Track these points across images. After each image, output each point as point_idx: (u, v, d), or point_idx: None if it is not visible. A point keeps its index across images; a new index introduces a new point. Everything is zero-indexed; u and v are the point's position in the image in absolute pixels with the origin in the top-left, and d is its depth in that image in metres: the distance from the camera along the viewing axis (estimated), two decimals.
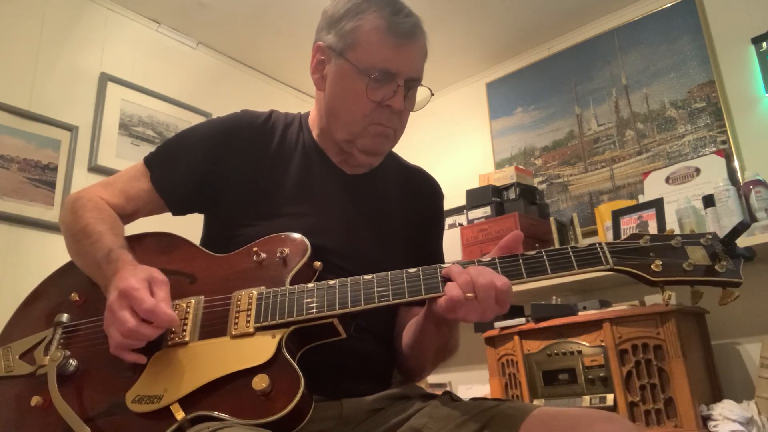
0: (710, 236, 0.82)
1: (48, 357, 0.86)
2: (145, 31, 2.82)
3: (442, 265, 0.84)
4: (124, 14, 2.74)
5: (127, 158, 2.57)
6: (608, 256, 0.81)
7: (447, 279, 0.82)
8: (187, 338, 0.84)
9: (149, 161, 1.06)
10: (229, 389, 0.78)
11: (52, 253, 2.17)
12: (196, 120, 2.86)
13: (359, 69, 0.97)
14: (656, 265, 0.79)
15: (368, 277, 0.85)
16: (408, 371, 1.05)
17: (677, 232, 0.84)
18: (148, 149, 2.62)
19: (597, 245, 0.82)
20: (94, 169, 2.47)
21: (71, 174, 2.38)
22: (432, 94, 1.07)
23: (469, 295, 0.78)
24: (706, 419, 1.82)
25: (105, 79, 2.58)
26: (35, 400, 0.84)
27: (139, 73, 2.73)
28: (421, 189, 1.18)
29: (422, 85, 1.04)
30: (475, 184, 2.85)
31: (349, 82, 0.99)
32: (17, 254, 2.18)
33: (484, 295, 0.78)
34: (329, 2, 1.06)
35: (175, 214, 1.07)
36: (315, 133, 1.10)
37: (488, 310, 0.79)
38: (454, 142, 3.41)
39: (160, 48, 2.87)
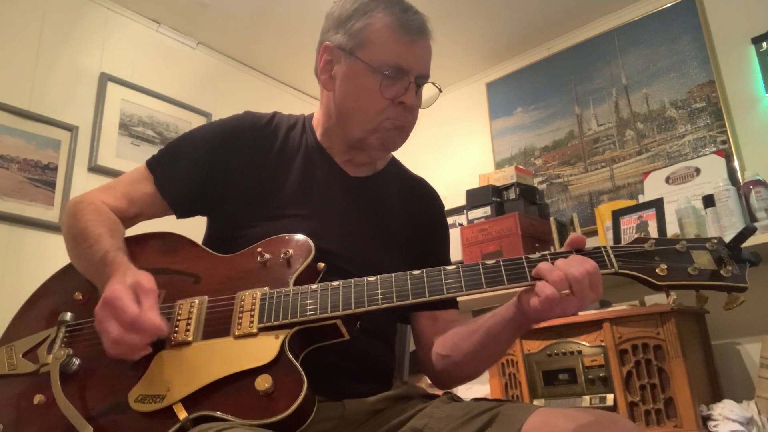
0: (716, 241, 0.81)
1: (51, 355, 0.86)
2: (145, 31, 2.82)
3: (445, 267, 0.84)
4: (124, 14, 2.74)
5: (127, 158, 2.57)
6: (613, 259, 0.81)
7: (536, 278, 0.80)
8: (190, 338, 0.84)
9: (152, 164, 1.06)
10: (231, 389, 0.78)
11: (52, 253, 2.17)
12: (196, 120, 2.86)
13: (372, 67, 0.98)
14: (661, 269, 0.79)
15: (372, 278, 0.85)
16: (455, 378, 1.03)
17: (677, 231, 0.84)
18: (148, 149, 2.64)
19: (602, 249, 0.82)
20: (94, 169, 2.46)
21: (71, 174, 2.38)
22: (440, 91, 1.07)
23: (565, 291, 0.77)
24: (706, 419, 1.82)
25: (105, 79, 2.58)
26: (38, 398, 0.84)
27: (139, 73, 2.73)
28: (422, 197, 1.17)
29: (431, 83, 1.05)
30: (475, 184, 2.85)
31: (362, 80, 0.99)
32: (17, 254, 2.17)
33: (579, 287, 0.77)
34: (332, 4, 1.06)
35: (179, 216, 1.06)
36: (319, 133, 1.09)
37: (585, 299, 0.78)
38: (454, 142, 3.41)
39: (160, 48, 2.86)
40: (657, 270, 0.79)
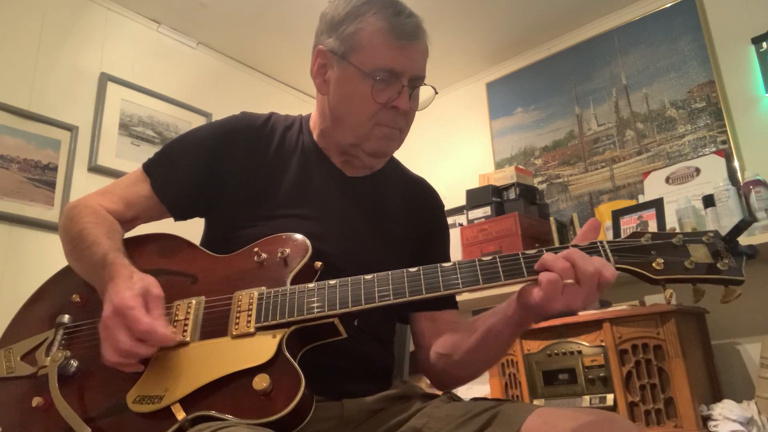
0: (712, 234, 0.80)
1: (49, 358, 0.86)
2: (145, 31, 2.82)
3: (442, 265, 0.84)
4: (124, 14, 2.74)
5: (127, 158, 2.57)
6: (609, 254, 0.80)
7: (540, 270, 0.79)
8: (188, 338, 0.84)
9: (148, 167, 1.06)
10: (229, 389, 0.78)
11: (52, 253, 2.16)
12: (196, 120, 2.86)
13: (364, 72, 0.97)
14: (658, 263, 0.78)
15: (368, 276, 0.84)
16: (455, 378, 1.03)
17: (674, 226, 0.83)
18: (148, 149, 2.64)
19: (598, 243, 0.81)
20: (94, 169, 2.46)
21: (71, 174, 2.38)
22: (436, 93, 1.06)
23: (569, 281, 0.75)
24: (706, 419, 1.82)
25: (105, 79, 2.58)
26: (36, 401, 0.84)
27: (139, 73, 2.73)
28: (421, 197, 1.17)
29: (426, 84, 1.04)
30: (475, 184, 2.85)
31: (354, 85, 0.98)
32: (17, 254, 2.18)
33: (588, 281, 0.75)
34: (327, 5, 1.05)
35: (176, 219, 1.06)
36: (315, 133, 1.09)
37: (591, 296, 0.76)
38: (454, 142, 3.41)
39: (160, 48, 2.86)
40: (653, 264, 0.78)
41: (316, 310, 0.82)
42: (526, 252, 0.82)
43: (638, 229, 2.40)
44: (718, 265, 0.78)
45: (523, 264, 0.81)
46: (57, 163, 2.35)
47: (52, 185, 2.32)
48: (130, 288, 0.80)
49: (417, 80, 1.01)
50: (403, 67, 0.98)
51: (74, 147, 2.42)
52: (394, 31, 0.97)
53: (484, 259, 0.83)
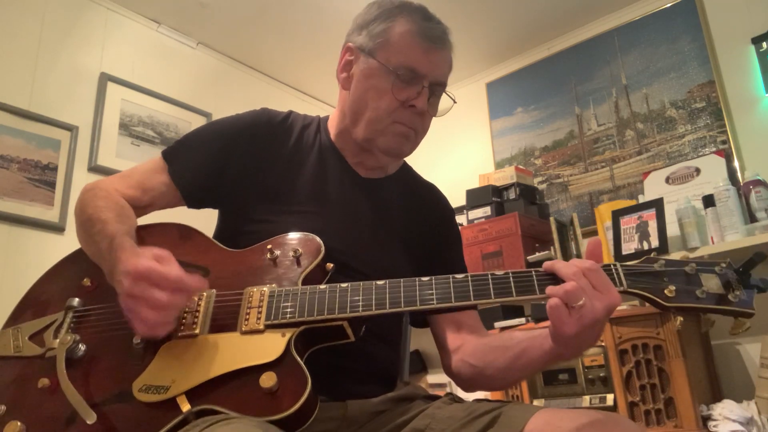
0: (725, 264, 0.81)
1: (57, 340, 0.85)
2: (145, 31, 2.82)
3: (455, 276, 0.84)
4: (124, 14, 2.74)
5: (127, 158, 2.57)
6: (622, 277, 0.81)
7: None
8: (197, 331, 0.83)
9: (167, 154, 1.07)
10: (236, 385, 0.78)
11: (52, 253, 2.16)
12: (196, 120, 2.86)
13: (387, 67, 1.00)
14: (669, 290, 0.79)
15: (381, 282, 0.84)
16: (482, 386, 1.04)
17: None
18: (148, 149, 2.64)
19: (611, 266, 0.82)
20: (94, 169, 2.46)
21: (71, 174, 2.38)
22: (455, 102, 1.08)
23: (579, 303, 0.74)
24: (706, 419, 1.83)
25: (105, 79, 2.58)
26: (42, 382, 0.84)
27: (139, 73, 2.73)
28: (430, 204, 1.18)
29: (446, 93, 1.07)
30: (475, 184, 2.85)
31: (376, 79, 1.01)
32: (17, 254, 2.17)
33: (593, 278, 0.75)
34: (358, 10, 1.09)
35: (190, 206, 1.07)
36: (333, 133, 1.11)
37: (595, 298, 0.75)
38: (454, 142, 3.41)
39: (160, 48, 2.86)
40: (665, 291, 0.79)
41: (326, 312, 0.82)
42: (539, 270, 0.82)
43: (638, 232, 2.41)
44: (729, 296, 0.78)
45: (535, 282, 0.81)
46: (57, 163, 2.35)
47: (52, 185, 2.32)
48: (140, 254, 0.80)
49: (438, 86, 1.04)
50: (426, 70, 1.01)
51: (74, 147, 2.41)
52: (422, 33, 1.01)
53: (497, 273, 0.83)
